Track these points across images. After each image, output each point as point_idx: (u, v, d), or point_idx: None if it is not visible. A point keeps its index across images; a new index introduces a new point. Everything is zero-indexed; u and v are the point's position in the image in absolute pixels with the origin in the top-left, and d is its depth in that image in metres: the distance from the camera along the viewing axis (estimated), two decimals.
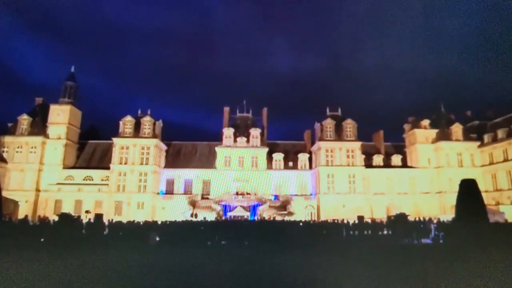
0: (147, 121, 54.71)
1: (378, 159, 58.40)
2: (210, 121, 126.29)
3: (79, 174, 54.12)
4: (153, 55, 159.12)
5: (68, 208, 49.85)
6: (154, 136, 54.30)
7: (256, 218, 45.94)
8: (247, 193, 52.32)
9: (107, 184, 51.94)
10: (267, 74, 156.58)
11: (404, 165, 59.00)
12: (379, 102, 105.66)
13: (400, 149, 61.45)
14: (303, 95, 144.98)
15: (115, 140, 53.29)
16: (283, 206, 50.64)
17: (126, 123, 54.30)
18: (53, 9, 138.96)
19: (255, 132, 56.99)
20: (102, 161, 57.01)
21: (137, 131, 54.38)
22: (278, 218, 43.31)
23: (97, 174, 53.98)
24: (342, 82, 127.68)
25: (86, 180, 53.66)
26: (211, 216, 44.73)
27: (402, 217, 27.74)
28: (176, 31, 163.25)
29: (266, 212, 47.19)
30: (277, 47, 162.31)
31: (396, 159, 58.91)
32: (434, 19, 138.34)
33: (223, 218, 45.87)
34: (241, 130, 58.03)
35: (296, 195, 54.67)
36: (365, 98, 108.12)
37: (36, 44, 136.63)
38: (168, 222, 27.29)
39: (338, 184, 52.73)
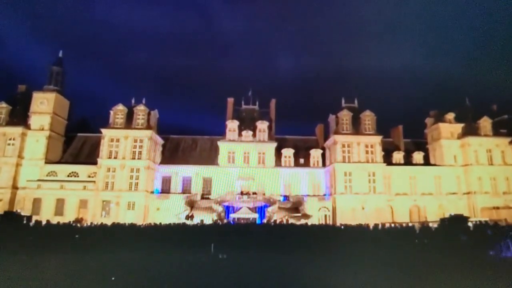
0: (141, 110, 48.64)
1: (398, 156, 52.54)
2: (213, 121, 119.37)
3: (63, 170, 47.89)
4: (153, 54, 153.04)
5: (48, 207, 43.79)
6: (148, 127, 48.20)
7: (264, 221, 40.00)
8: (253, 193, 46.76)
9: (94, 181, 45.72)
10: (273, 70, 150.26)
11: (427, 163, 53.11)
12: (396, 97, 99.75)
13: (421, 146, 55.75)
14: (313, 92, 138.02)
15: (104, 131, 47.17)
16: (295, 207, 44.71)
17: (117, 112, 48.20)
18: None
19: (262, 126, 51.13)
20: (91, 156, 50.82)
21: (129, 122, 48.35)
22: (291, 221, 37.31)
23: (83, 170, 47.80)
24: (355, 77, 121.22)
25: (71, 176, 47.39)
26: (210, 219, 38.76)
27: (460, 219, 21.79)
28: (178, 31, 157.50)
29: (276, 214, 41.12)
30: (284, 44, 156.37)
31: (417, 156, 53.08)
32: (453, 9, 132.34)
33: (225, 220, 39.88)
34: (247, 123, 52.12)
35: (308, 195, 48.60)
36: (380, 93, 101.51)
37: (24, 30, 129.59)
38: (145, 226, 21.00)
39: (356, 183, 46.71)
